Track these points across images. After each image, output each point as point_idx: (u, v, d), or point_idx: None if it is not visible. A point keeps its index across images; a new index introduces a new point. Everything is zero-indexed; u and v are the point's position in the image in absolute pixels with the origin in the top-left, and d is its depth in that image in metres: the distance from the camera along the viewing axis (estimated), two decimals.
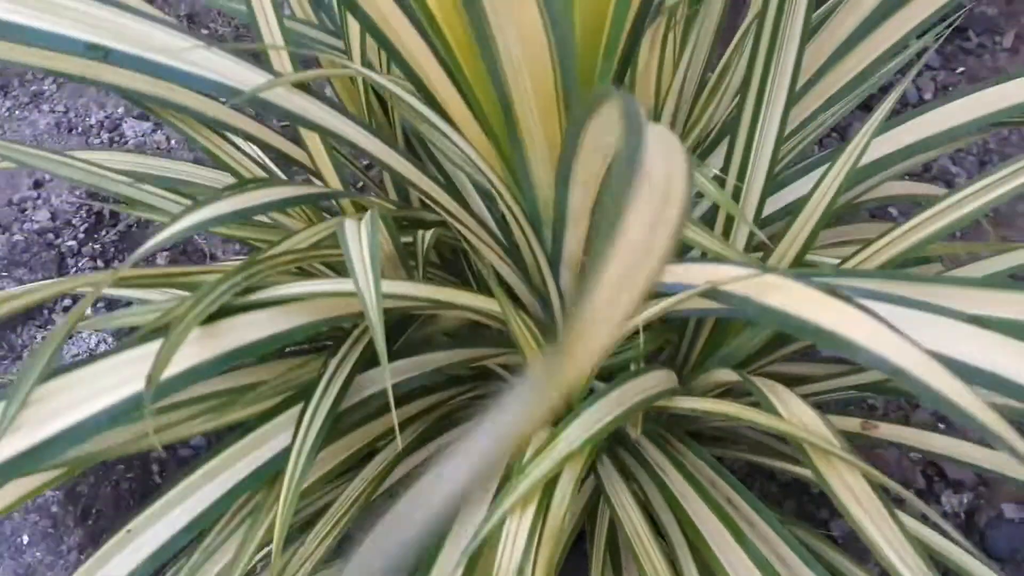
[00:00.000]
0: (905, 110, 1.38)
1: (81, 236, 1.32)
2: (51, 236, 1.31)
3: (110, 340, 1.20)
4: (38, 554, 0.99)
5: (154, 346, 0.50)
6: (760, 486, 1.00)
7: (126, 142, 1.39)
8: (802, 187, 0.76)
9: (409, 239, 0.72)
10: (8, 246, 1.28)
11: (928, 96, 1.49)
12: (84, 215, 1.32)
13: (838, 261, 0.64)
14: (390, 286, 0.55)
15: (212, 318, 0.52)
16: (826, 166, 0.66)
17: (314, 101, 0.56)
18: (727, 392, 0.66)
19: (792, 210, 0.70)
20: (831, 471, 0.48)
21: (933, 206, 0.64)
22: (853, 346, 0.36)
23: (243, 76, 0.54)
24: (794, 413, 0.51)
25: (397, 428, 0.49)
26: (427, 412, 0.74)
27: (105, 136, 1.41)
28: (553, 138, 0.52)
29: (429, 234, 0.71)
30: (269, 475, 0.53)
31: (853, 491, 0.47)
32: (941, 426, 1.03)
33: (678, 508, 0.63)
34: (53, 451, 0.45)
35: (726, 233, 0.68)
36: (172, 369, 0.48)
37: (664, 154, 0.28)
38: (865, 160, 0.73)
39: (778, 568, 0.61)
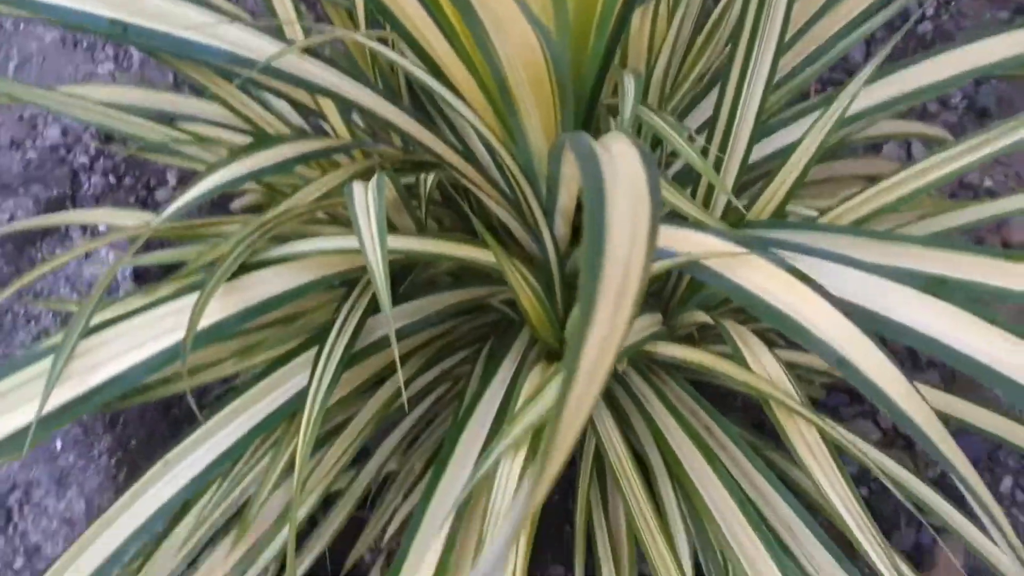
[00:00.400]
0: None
1: (92, 153, 1.35)
2: (63, 152, 1.35)
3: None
4: (71, 458, 1.06)
5: (183, 302, 0.56)
6: (743, 399, 1.07)
7: (132, 58, 1.41)
8: (790, 134, 0.79)
9: (412, 179, 0.76)
10: (23, 163, 1.31)
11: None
12: (94, 131, 1.35)
13: (816, 213, 0.68)
14: (394, 241, 0.60)
15: (233, 274, 0.57)
16: (815, 115, 0.70)
17: (322, 66, 0.60)
18: (710, 333, 0.72)
19: (780, 155, 0.74)
20: (791, 424, 0.53)
21: (916, 165, 0.67)
22: (806, 333, 0.41)
23: (256, 45, 0.57)
24: (763, 365, 0.56)
25: (399, 368, 0.54)
26: (432, 341, 0.80)
27: (111, 51, 1.42)
28: (546, 107, 0.56)
29: (431, 177, 0.76)
30: (290, 411, 0.59)
31: (808, 444, 0.53)
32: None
33: (659, 437, 0.69)
34: (99, 398, 0.51)
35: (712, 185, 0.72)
36: (202, 323, 0.54)
37: (627, 183, 0.32)
38: (854, 109, 0.77)
39: (748, 490, 0.68)
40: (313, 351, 0.60)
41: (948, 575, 0.93)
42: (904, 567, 0.70)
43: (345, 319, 0.61)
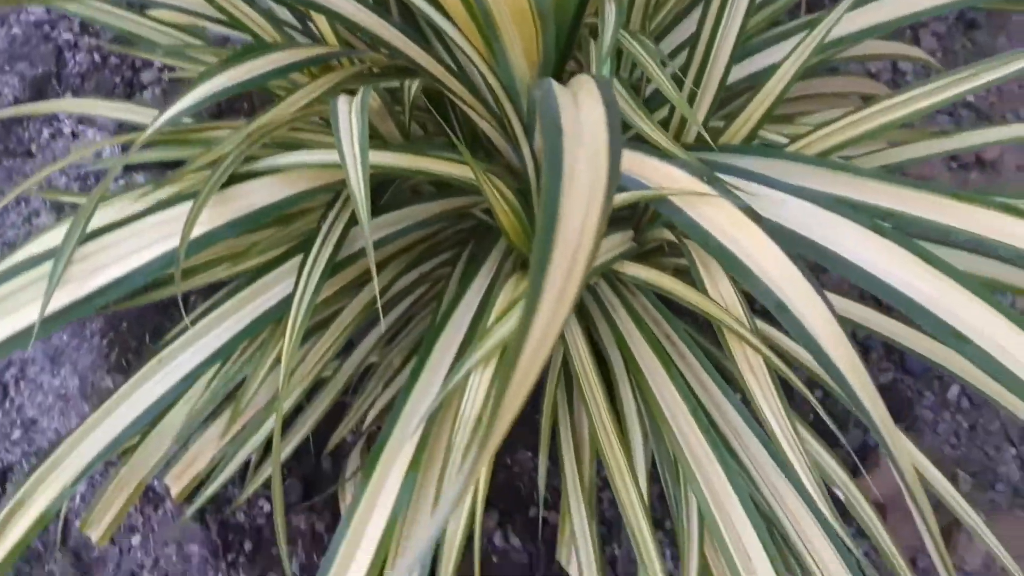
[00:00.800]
0: None
1: (77, 29, 1.34)
2: (47, 28, 1.34)
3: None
4: (65, 337, 1.11)
5: (177, 210, 0.59)
6: None
7: None
8: (773, 55, 0.81)
9: (396, 84, 0.78)
10: (7, 39, 1.31)
11: None
12: None
13: (787, 141, 0.71)
14: (375, 156, 0.62)
15: (224, 184, 0.59)
16: (799, 36, 0.71)
17: None
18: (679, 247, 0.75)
19: (762, 76, 0.76)
20: (737, 348, 0.58)
21: (890, 98, 0.69)
22: (751, 275, 0.44)
23: None
24: (719, 289, 0.60)
25: (374, 272, 0.58)
26: (415, 245, 0.83)
27: None
28: (528, 36, 0.58)
29: (416, 84, 0.77)
30: (276, 316, 0.63)
31: (752, 367, 0.57)
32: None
33: (622, 343, 0.74)
34: (98, 301, 0.55)
35: (691, 99, 0.74)
36: (195, 232, 0.57)
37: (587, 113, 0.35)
38: (837, 33, 0.78)
39: (701, 396, 0.73)
40: (299, 258, 0.63)
41: (888, 477, 1.00)
42: (841, 473, 0.76)
43: (329, 229, 0.64)
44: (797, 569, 0.65)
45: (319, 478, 1.06)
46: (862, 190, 0.62)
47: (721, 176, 0.63)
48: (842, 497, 0.74)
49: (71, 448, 0.60)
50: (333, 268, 0.64)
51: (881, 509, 1.06)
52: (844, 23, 0.79)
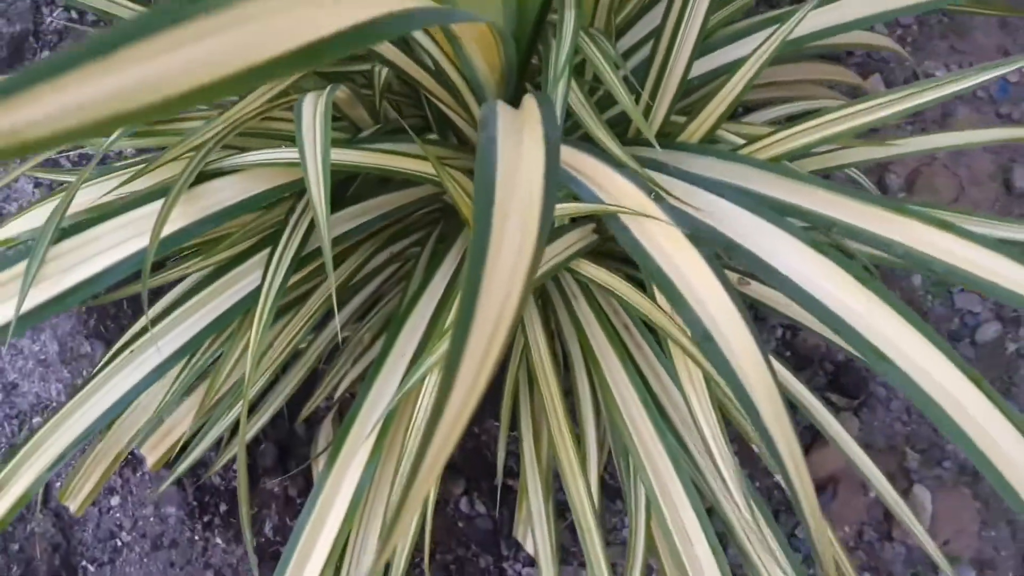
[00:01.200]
0: None
1: None
2: None
3: None
4: None
5: (147, 208, 0.61)
6: None
7: None
8: (739, 49, 0.82)
9: (368, 67, 0.79)
10: None
11: None
12: None
13: (742, 143, 0.73)
14: (338, 155, 0.64)
15: (192, 182, 0.61)
16: (760, 35, 0.73)
17: None
18: None
19: (728, 70, 0.77)
20: (678, 356, 0.61)
21: (849, 107, 0.71)
22: (682, 302, 0.47)
23: None
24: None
25: (331, 271, 0.60)
26: (385, 228, 0.86)
27: None
28: (488, 43, 0.60)
29: (385, 69, 0.79)
30: (246, 307, 0.66)
31: (690, 375, 0.60)
32: None
33: (582, 333, 0.77)
34: (71, 300, 0.57)
35: (654, 92, 0.76)
36: (165, 231, 0.59)
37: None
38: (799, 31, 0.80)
39: (653, 384, 0.77)
40: (267, 251, 0.66)
41: (835, 457, 1.04)
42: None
43: (296, 223, 0.67)
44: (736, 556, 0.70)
45: (293, 443, 1.10)
46: (811, 198, 0.65)
47: (673, 180, 0.65)
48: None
49: (48, 435, 0.63)
50: (304, 258, 0.67)
51: (835, 482, 1.11)
52: (809, 20, 0.80)
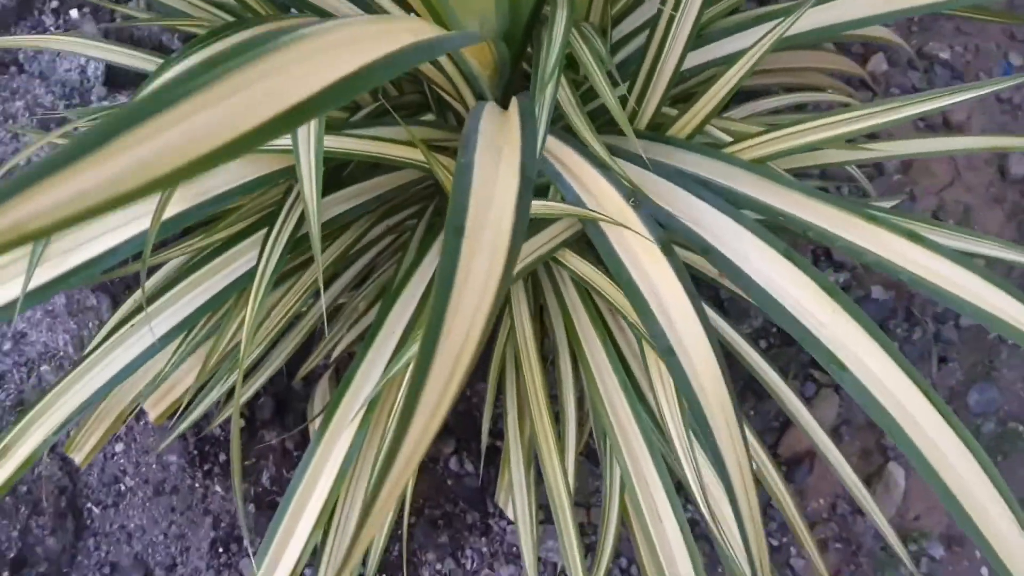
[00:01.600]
0: None
1: None
2: None
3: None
4: None
5: None
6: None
7: None
8: (735, 42, 0.83)
9: None
10: None
11: None
12: None
13: (730, 140, 0.75)
14: (331, 142, 0.66)
15: None
16: (756, 30, 0.74)
17: None
18: None
19: (724, 62, 0.79)
20: (652, 358, 0.64)
21: (838, 115, 0.73)
22: (649, 315, 0.50)
23: None
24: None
25: (318, 257, 0.63)
26: (383, 204, 0.88)
27: None
28: (483, 55, 0.61)
29: None
30: (242, 286, 0.68)
31: (662, 376, 0.63)
32: None
33: (567, 316, 0.80)
34: (75, 280, 0.60)
35: (645, 87, 0.77)
36: (166, 214, 0.62)
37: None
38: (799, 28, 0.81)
39: (634, 368, 0.80)
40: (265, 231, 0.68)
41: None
42: (754, 441, 0.83)
43: (292, 205, 0.69)
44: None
45: (291, 397, 1.14)
46: (790, 201, 0.67)
47: (657, 179, 0.67)
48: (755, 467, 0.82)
49: (55, 399, 0.66)
50: (298, 241, 0.70)
51: (811, 456, 1.15)
52: (808, 17, 0.81)
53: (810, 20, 0.79)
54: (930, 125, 1.31)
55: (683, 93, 0.93)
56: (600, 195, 0.60)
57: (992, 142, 0.84)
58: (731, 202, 0.66)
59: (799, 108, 1.04)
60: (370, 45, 0.37)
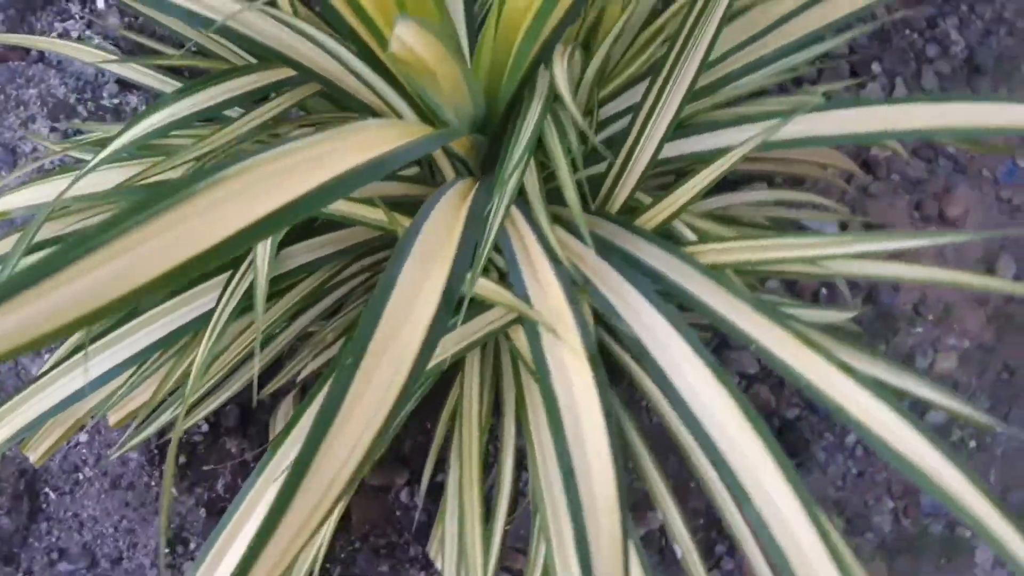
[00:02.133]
0: None
1: None
2: None
3: None
4: None
5: None
6: None
7: None
8: (718, 138, 0.85)
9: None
10: None
11: None
12: None
13: (695, 238, 0.76)
14: None
15: None
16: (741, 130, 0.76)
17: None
18: None
19: (703, 158, 0.80)
20: None
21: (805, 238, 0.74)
22: (562, 434, 0.51)
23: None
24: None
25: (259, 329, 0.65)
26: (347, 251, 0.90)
27: None
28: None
29: None
30: (198, 328, 0.71)
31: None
32: None
33: (520, 391, 0.82)
34: None
35: (622, 171, 0.79)
36: None
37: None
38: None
39: None
40: (225, 275, 0.71)
41: None
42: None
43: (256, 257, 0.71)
44: None
45: (258, 407, 1.16)
46: (735, 311, 0.68)
47: (609, 271, 0.69)
48: None
49: (9, 411, 0.69)
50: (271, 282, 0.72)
51: None
52: (793, 126, 0.82)
53: (799, 127, 0.80)
54: (926, 217, 1.32)
55: (672, 173, 0.94)
56: (545, 287, 0.61)
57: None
58: (681, 303, 0.68)
59: (780, 203, 1.05)
60: (303, 176, 0.39)
